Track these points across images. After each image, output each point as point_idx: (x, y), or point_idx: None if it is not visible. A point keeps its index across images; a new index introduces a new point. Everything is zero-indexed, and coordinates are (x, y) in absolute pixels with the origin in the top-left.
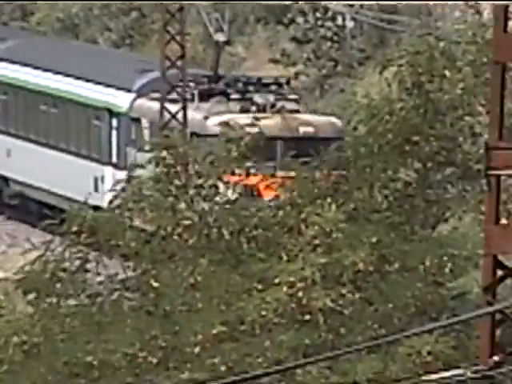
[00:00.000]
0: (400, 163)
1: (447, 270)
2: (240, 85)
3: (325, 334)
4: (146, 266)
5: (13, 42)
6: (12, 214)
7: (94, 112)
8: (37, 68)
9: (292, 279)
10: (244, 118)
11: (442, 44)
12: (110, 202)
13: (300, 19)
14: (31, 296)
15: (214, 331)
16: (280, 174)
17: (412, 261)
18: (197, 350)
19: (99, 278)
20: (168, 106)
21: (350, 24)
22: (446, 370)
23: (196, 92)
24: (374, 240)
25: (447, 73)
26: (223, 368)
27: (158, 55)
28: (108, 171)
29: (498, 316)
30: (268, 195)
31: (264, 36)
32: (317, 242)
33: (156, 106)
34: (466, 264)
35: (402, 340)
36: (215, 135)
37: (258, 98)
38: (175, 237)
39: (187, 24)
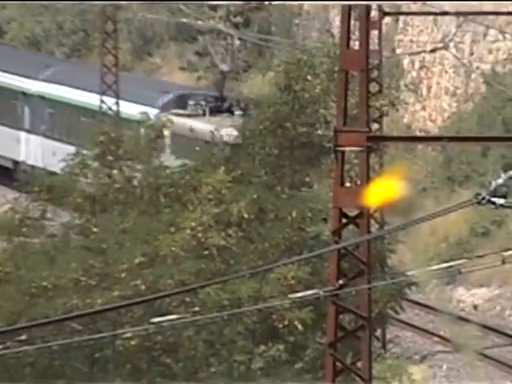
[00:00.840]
0: (274, 142)
1: (308, 219)
2: (242, 104)
3: (218, 264)
4: (88, 216)
5: (55, 69)
6: None
7: (128, 124)
8: (81, 89)
9: (194, 224)
10: None
11: (305, 57)
12: (63, 169)
13: (200, 38)
14: (5, 236)
15: (137, 261)
16: None
17: (283, 212)
18: (124, 275)
19: (54, 224)
20: (183, 119)
21: (236, 42)
22: (305, 290)
23: (207, 109)
24: (254, 196)
25: (309, 77)
26: (143, 287)
27: (98, 64)
28: None
29: (342, 251)
30: None
31: (175, 50)
32: (211, 197)
33: (174, 119)
34: (321, 215)
35: (274, 269)
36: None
37: None
38: (110, 195)
39: (120, 40)
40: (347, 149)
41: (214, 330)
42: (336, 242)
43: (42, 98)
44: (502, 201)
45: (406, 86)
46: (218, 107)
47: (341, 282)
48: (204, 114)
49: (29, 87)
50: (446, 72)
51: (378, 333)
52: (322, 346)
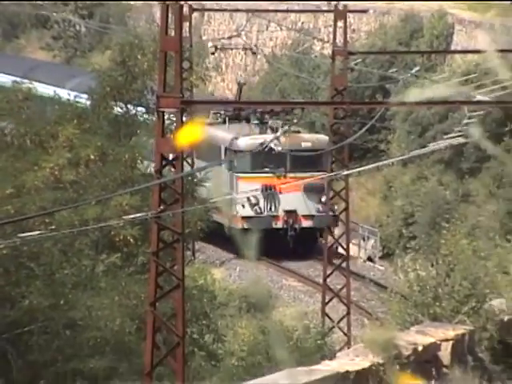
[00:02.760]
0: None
1: (138, 161)
2: (258, 113)
3: (71, 194)
4: None
5: (79, 79)
6: None
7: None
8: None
9: (52, 164)
10: (261, 138)
11: (136, 40)
12: None
13: (56, 25)
14: None
15: (8, 192)
16: (289, 175)
17: (119, 155)
18: None
19: None
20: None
21: (83, 29)
22: (136, 213)
23: (227, 118)
24: (98, 144)
25: (139, 56)
26: (13, 212)
27: None
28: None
29: (163, 185)
30: (283, 190)
31: (36, 34)
32: (65, 144)
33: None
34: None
35: (113, 198)
36: (243, 150)
37: (272, 123)
38: None
39: None
40: (166, 110)
41: (67, 243)
42: (158, 178)
43: None
44: None
45: (209, 63)
46: (237, 116)
47: (162, 207)
48: (224, 122)
49: None
50: (239, 53)
51: (190, 245)
52: (148, 254)
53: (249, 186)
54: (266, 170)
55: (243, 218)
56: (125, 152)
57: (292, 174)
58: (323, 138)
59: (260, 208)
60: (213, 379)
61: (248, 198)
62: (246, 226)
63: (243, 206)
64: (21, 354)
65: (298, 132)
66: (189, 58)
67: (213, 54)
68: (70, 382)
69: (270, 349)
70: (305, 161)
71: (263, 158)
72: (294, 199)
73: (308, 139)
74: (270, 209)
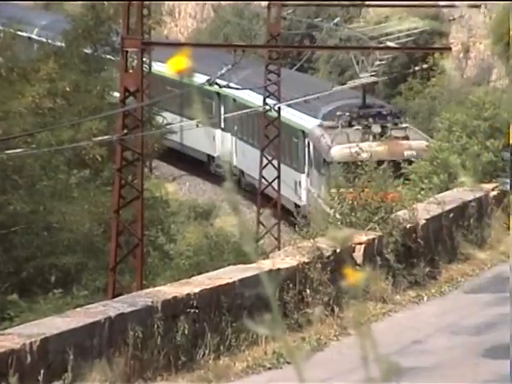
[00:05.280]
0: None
1: (106, 92)
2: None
3: (49, 118)
4: None
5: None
6: None
7: (295, 132)
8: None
9: (34, 94)
10: (359, 147)
11: None
12: None
13: None
14: None
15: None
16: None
17: (91, 87)
18: None
19: None
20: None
21: None
22: (103, 136)
23: (348, 121)
24: (73, 77)
25: (105, 3)
26: (0, 132)
27: None
28: (303, 178)
29: (126, 113)
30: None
31: None
32: (45, 77)
33: (317, 131)
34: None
35: (84, 123)
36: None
37: (374, 128)
38: None
39: None
40: (129, 49)
41: (45, 159)
42: (122, 107)
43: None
44: None
45: (165, 11)
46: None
47: (125, 131)
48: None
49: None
50: (190, 3)
51: (148, 163)
52: (113, 170)
53: None
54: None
55: None
56: (95, 84)
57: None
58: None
59: None
60: (165, 274)
61: None
62: None
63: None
64: (6, 251)
65: (406, 138)
66: (147, 6)
67: None
68: (47, 274)
69: (214, 249)
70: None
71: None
72: None
73: (412, 147)
74: None
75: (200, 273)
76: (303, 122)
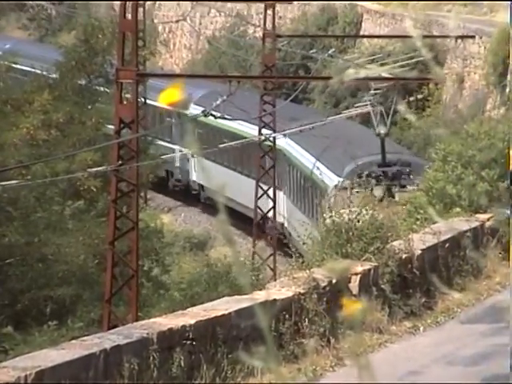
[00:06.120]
0: (79, 75)
1: (100, 124)
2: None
3: (43, 150)
4: None
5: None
6: None
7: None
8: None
9: (28, 125)
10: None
11: (97, 23)
12: None
13: (31, 9)
14: None
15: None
16: None
17: (85, 119)
18: None
19: None
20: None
21: (54, 12)
22: (98, 167)
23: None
24: (67, 109)
25: (100, 36)
26: None
27: None
28: None
29: (121, 144)
30: None
31: (14, 16)
32: (39, 109)
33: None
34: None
35: (79, 154)
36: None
37: (376, 191)
38: None
39: None
40: (124, 81)
41: (40, 191)
42: (117, 138)
43: None
44: None
45: (160, 42)
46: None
47: (120, 162)
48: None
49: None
50: (185, 34)
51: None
52: (108, 202)
53: None
54: None
55: None
56: (89, 116)
57: None
58: None
59: None
60: (160, 306)
61: None
62: None
63: None
64: (1, 283)
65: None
66: (142, 38)
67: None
68: (42, 306)
69: (210, 281)
70: None
71: None
72: None
73: None
74: None
75: (194, 304)
76: (327, 179)
